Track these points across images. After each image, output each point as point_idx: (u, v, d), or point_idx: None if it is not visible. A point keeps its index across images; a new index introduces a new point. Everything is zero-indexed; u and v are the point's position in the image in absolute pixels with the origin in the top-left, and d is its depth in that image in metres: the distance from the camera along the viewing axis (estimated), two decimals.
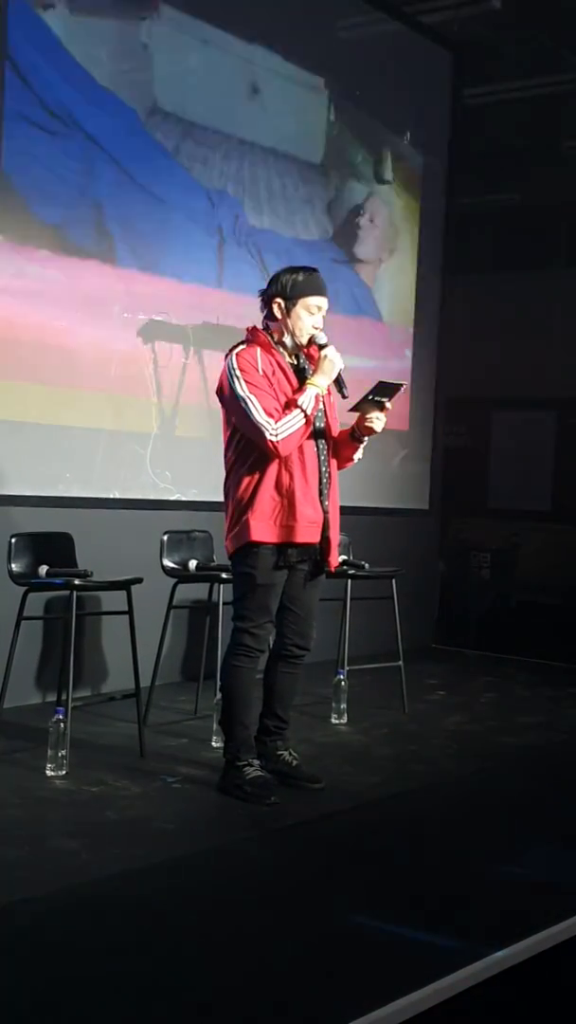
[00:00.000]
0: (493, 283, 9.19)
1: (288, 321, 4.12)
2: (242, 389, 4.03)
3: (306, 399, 4.02)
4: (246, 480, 4.09)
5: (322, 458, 4.18)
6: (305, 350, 4.19)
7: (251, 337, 4.16)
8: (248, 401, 4.01)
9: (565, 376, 8.86)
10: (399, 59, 7.56)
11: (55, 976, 2.72)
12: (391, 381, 4.20)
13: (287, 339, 4.15)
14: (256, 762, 4.24)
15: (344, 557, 5.80)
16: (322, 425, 4.18)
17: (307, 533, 4.11)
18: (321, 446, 4.18)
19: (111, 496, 5.84)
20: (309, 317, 4.11)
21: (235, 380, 4.04)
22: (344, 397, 4.18)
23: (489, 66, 7.94)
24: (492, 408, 9.44)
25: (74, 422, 5.68)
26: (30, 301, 5.44)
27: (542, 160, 8.82)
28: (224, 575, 5.13)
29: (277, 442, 3.98)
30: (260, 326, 4.20)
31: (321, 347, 4.11)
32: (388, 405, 4.19)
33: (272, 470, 4.06)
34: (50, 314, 5.53)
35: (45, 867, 3.44)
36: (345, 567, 5.64)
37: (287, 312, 4.12)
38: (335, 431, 4.26)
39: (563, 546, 8.34)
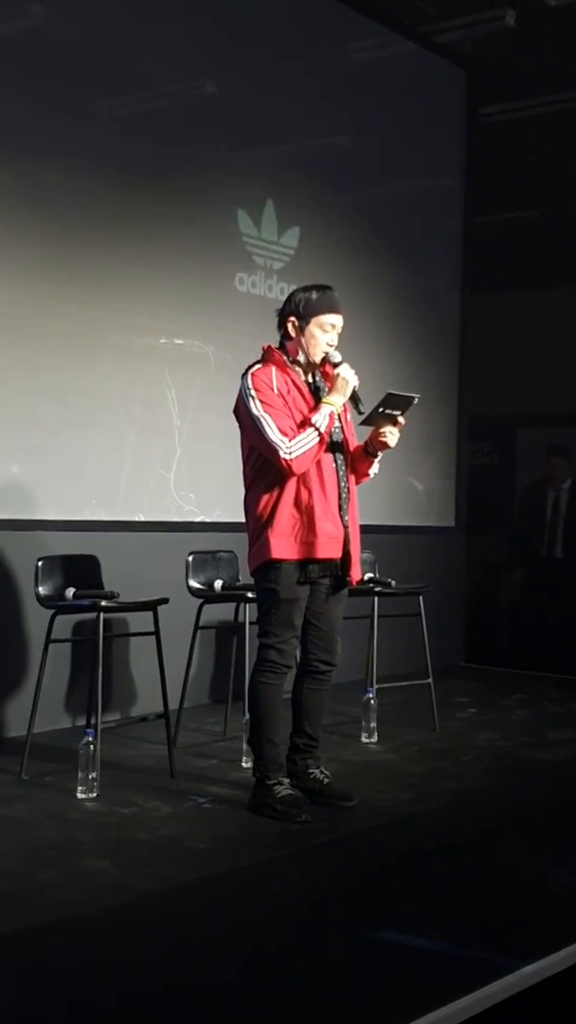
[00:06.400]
0: (514, 300, 9.18)
1: (302, 340, 4.15)
2: (256, 408, 4.06)
3: (320, 418, 4.04)
4: (265, 497, 4.11)
5: (340, 474, 4.19)
6: (320, 368, 4.20)
7: (266, 356, 4.18)
8: (262, 420, 4.04)
9: None
10: (414, 79, 7.60)
11: (89, 994, 2.71)
12: (401, 393, 4.16)
13: (302, 357, 4.17)
14: (286, 780, 4.22)
15: (371, 575, 5.79)
16: (339, 440, 4.20)
17: (328, 548, 4.12)
18: (339, 462, 4.19)
19: (136, 519, 5.86)
20: (323, 335, 4.13)
21: (250, 399, 4.08)
22: (360, 414, 4.18)
23: (504, 84, 7.96)
24: (517, 425, 9.42)
25: (99, 446, 5.71)
26: (53, 324, 5.50)
27: (559, 176, 8.82)
28: (250, 594, 5.12)
29: (291, 460, 4.00)
30: (276, 345, 4.23)
31: (335, 365, 4.13)
32: (401, 419, 4.18)
33: (291, 487, 4.08)
34: (73, 337, 5.58)
35: (78, 887, 3.43)
36: (372, 584, 5.63)
37: (301, 331, 4.15)
38: (352, 446, 4.27)
39: None
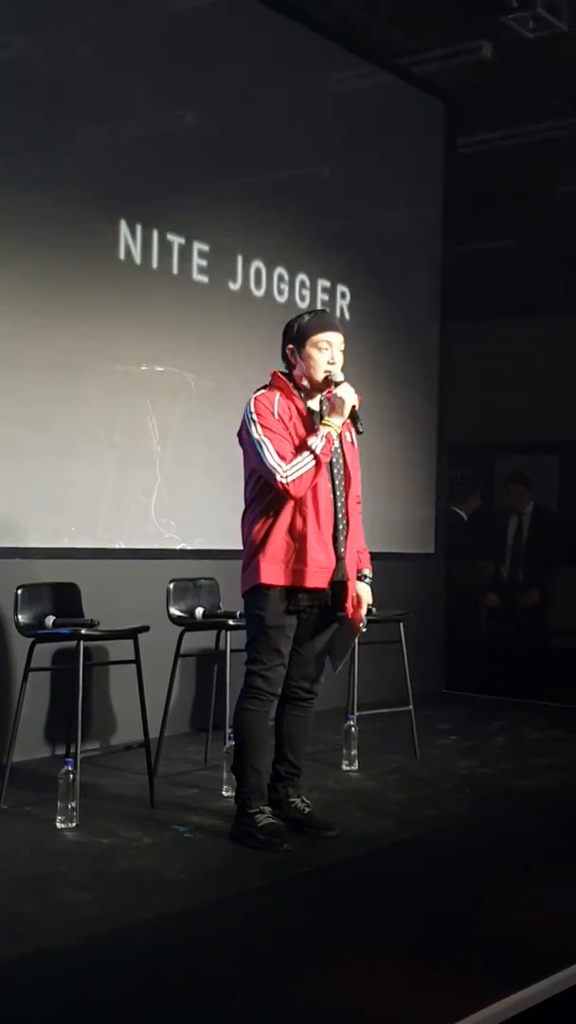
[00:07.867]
0: (492, 328, 9.26)
1: (302, 364, 4.17)
2: (257, 432, 4.08)
3: (316, 440, 4.05)
4: (260, 522, 4.13)
5: (339, 504, 4.19)
6: (326, 392, 4.18)
7: (272, 382, 4.22)
8: (262, 444, 4.06)
9: (568, 420, 8.90)
10: (393, 110, 7.66)
11: None
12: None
13: (307, 383, 4.18)
14: (267, 809, 4.20)
15: None
16: (341, 471, 4.20)
17: (316, 578, 4.12)
18: (338, 491, 4.19)
19: (117, 546, 5.85)
20: (320, 354, 4.14)
21: (251, 424, 4.11)
22: (359, 432, 4.22)
23: (481, 115, 8.04)
24: (496, 452, 9.48)
25: (79, 474, 5.70)
26: (35, 352, 5.50)
27: (537, 206, 8.93)
28: (231, 622, 5.12)
29: (287, 484, 4.02)
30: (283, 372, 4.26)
31: (336, 384, 4.14)
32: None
33: (286, 513, 4.09)
34: (54, 365, 5.58)
35: (57, 919, 3.40)
36: None
37: (300, 355, 4.17)
38: (354, 476, 4.27)
39: (572, 589, 8.32)
